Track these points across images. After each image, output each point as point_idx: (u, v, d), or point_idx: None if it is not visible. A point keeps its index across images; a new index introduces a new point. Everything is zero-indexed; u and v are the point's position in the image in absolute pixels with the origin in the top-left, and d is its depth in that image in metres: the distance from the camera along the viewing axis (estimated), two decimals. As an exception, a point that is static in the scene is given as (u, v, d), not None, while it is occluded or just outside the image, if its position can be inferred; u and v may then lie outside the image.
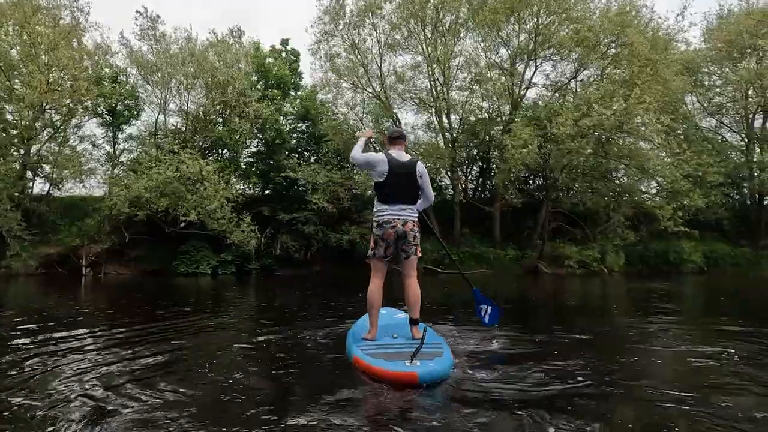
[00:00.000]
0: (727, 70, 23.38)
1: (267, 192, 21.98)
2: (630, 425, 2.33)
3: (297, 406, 2.65)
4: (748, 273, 20.34)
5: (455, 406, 2.60)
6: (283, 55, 23.85)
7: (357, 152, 4.05)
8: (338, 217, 20.03)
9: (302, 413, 2.47)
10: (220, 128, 20.36)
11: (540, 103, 21.17)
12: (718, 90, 24.29)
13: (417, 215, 4.03)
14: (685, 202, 17.97)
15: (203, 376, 3.26)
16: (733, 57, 22.89)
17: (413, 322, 3.92)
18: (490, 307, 4.65)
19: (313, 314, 6.84)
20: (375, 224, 3.94)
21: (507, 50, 20.86)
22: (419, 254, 4.03)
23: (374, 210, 3.99)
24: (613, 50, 19.04)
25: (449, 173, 21.77)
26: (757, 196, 23.91)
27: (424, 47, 20.11)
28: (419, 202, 4.08)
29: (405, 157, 3.95)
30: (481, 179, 24.61)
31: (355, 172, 22.29)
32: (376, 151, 4.34)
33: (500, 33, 20.18)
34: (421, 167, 3.99)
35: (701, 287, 12.81)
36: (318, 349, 4.31)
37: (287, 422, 2.36)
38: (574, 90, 20.87)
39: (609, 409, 2.56)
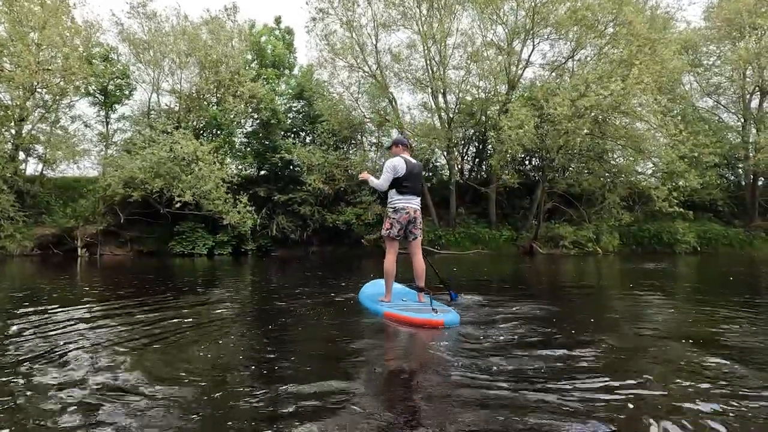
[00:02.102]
0: (726, 49, 23.23)
1: (262, 173, 21.89)
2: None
3: (299, 376, 2.68)
4: (741, 252, 20.57)
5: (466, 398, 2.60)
6: (277, 33, 23.50)
7: (379, 182, 4.97)
8: (334, 197, 20.02)
9: (305, 383, 2.51)
10: (215, 108, 20.15)
11: (537, 83, 21.03)
12: (716, 70, 24.17)
13: (421, 205, 5.07)
14: (681, 183, 18.02)
15: (204, 352, 3.29)
16: (732, 36, 22.72)
17: (419, 289, 4.94)
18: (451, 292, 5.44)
19: (312, 290, 6.89)
20: (391, 210, 4.95)
21: (504, 28, 20.62)
22: (421, 236, 5.07)
23: (389, 199, 5.00)
24: (611, 29, 18.84)
25: (445, 154, 21.70)
26: (751, 176, 24.00)
27: (420, 25, 19.84)
28: None
29: (412, 159, 5.05)
30: (477, 160, 24.58)
31: (350, 152, 22.22)
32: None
33: (497, 10, 19.90)
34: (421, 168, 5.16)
35: (703, 267, 12.85)
36: (319, 321, 4.38)
37: (288, 391, 2.39)
38: (571, 70, 20.71)
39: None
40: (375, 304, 4.84)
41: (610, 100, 16.17)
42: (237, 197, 17.48)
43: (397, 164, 4.86)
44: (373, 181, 5.15)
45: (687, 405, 2.29)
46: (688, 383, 2.60)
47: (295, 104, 22.75)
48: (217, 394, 2.51)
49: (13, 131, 18.41)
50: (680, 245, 20.22)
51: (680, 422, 2.09)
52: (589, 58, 20.20)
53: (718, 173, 22.88)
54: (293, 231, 19.82)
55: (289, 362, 3.15)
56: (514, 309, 4.94)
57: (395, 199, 4.92)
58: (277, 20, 23.71)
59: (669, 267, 12.22)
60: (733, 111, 24.70)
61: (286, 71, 23.47)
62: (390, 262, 4.90)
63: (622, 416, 2.18)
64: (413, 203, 4.93)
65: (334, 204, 20.14)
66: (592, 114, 16.96)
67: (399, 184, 4.88)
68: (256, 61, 22.52)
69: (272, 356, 3.32)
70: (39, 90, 18.31)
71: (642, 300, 6.02)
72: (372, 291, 5.47)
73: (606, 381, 2.63)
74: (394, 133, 22.40)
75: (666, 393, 2.45)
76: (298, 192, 19.48)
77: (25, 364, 3.07)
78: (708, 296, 6.63)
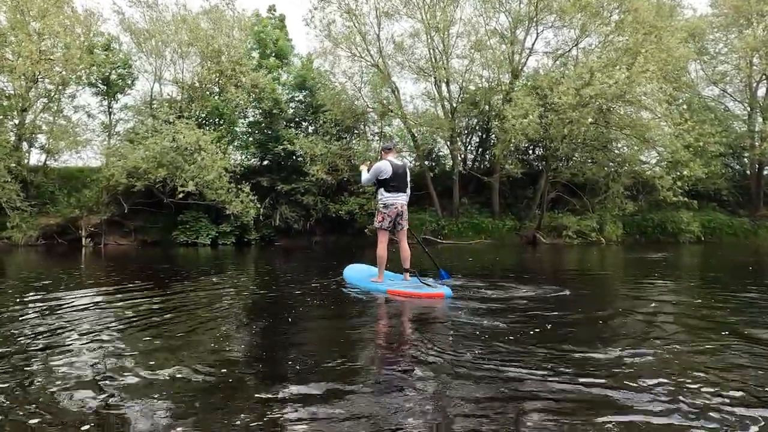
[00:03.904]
0: (733, 36, 22.95)
1: (265, 162, 21.86)
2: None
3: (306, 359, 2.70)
4: (746, 241, 20.49)
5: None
6: (273, 22, 23.29)
7: (364, 177, 5.99)
8: (337, 187, 20.00)
9: (310, 373, 2.53)
10: (217, 98, 20.09)
11: (541, 71, 20.86)
12: (722, 58, 23.89)
13: (407, 200, 5.89)
14: (685, 173, 17.90)
15: (211, 342, 3.32)
16: (739, 23, 22.43)
17: (406, 270, 5.81)
18: (442, 271, 6.36)
19: (320, 279, 6.95)
20: (382, 206, 5.76)
21: (507, 16, 20.43)
22: (407, 226, 5.92)
23: (379, 197, 5.81)
24: (616, 17, 18.63)
25: (448, 143, 21.61)
26: (757, 166, 23.82)
27: (423, 14, 19.66)
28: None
29: (399, 161, 5.88)
30: (480, 149, 24.46)
31: (354, 142, 22.16)
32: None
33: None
34: (407, 168, 6.01)
35: (715, 257, 12.69)
36: (327, 311, 4.40)
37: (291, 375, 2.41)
38: (575, 58, 20.52)
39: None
40: (373, 284, 5.64)
41: (615, 89, 16.03)
42: (239, 187, 17.48)
43: (383, 168, 5.70)
44: (364, 174, 6.08)
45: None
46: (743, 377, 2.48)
47: (297, 94, 22.64)
48: (227, 382, 2.53)
49: (15, 121, 18.44)
50: (684, 234, 20.15)
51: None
52: (593, 46, 20.00)
53: (723, 162, 22.71)
54: (296, 221, 19.85)
55: (295, 353, 3.16)
56: (537, 299, 4.95)
57: (385, 197, 5.74)
58: (271, 9, 23.51)
59: (677, 256, 12.16)
60: (740, 100, 24.46)
61: (285, 61, 23.31)
62: (382, 249, 5.78)
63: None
64: (400, 199, 5.76)
65: (337, 194, 20.12)
66: (597, 103, 16.83)
67: (387, 184, 5.70)
68: (258, 51, 22.38)
69: (279, 348, 3.34)
70: (41, 79, 18.29)
71: (668, 291, 5.88)
72: (352, 273, 6.42)
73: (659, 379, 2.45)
74: (397, 123, 22.37)
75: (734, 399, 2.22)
76: (301, 182, 19.46)
77: (37, 350, 3.10)
78: (735, 286, 6.41)
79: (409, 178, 5.89)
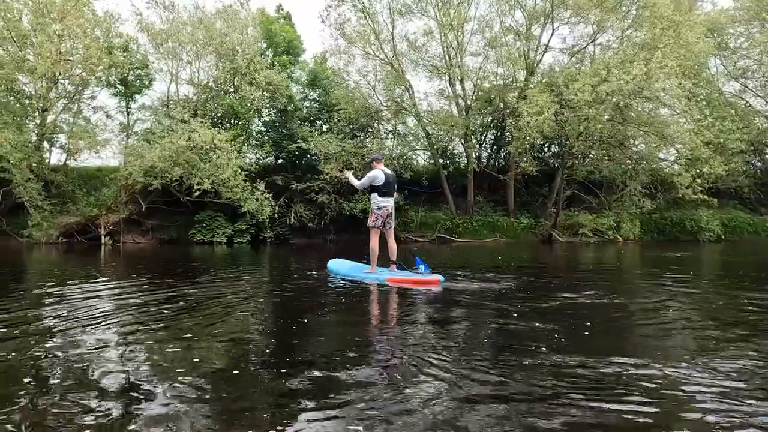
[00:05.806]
0: (755, 30, 22.43)
1: (280, 161, 21.96)
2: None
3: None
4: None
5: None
6: (281, 21, 23.32)
7: (359, 183, 7.10)
8: (351, 186, 19.98)
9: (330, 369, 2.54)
10: (232, 97, 20.23)
11: (556, 68, 20.62)
12: (743, 52, 23.37)
13: (395, 203, 6.93)
14: (705, 170, 17.56)
15: (233, 335, 3.35)
16: (761, 17, 21.92)
17: (393, 262, 6.87)
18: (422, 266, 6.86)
19: (332, 275, 7.09)
20: (376, 208, 6.84)
21: (523, 13, 20.23)
22: (394, 225, 6.95)
23: (373, 200, 6.88)
24: (633, 12, 18.33)
25: (463, 141, 21.49)
26: (779, 163, 23.30)
27: (436, 12, 19.57)
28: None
29: (388, 170, 6.99)
30: (495, 147, 24.27)
31: (368, 141, 22.15)
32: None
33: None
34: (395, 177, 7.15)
35: (742, 255, 12.43)
36: (341, 306, 4.42)
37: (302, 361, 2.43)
38: (591, 54, 20.25)
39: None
40: (369, 275, 6.59)
41: (632, 85, 15.78)
42: (254, 185, 17.60)
43: (377, 176, 6.78)
44: (354, 181, 7.32)
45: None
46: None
47: (311, 93, 22.69)
48: (243, 372, 2.56)
49: (37, 121, 18.81)
50: (704, 233, 19.76)
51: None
52: (610, 42, 19.72)
53: (744, 159, 22.25)
54: (311, 219, 19.91)
55: (310, 348, 3.18)
56: (565, 299, 4.98)
57: (378, 201, 6.79)
58: (279, 9, 23.57)
59: (700, 255, 11.94)
60: (761, 95, 23.91)
61: (297, 58, 23.33)
62: (374, 244, 6.84)
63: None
64: (390, 203, 6.86)
65: (351, 192, 20.14)
66: (614, 100, 16.59)
67: (380, 190, 6.77)
68: (270, 49, 22.46)
69: (294, 343, 3.36)
70: (62, 81, 18.62)
71: (709, 292, 5.81)
72: (338, 266, 7.36)
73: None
74: (410, 121, 22.33)
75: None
76: (316, 180, 19.51)
77: (71, 339, 3.17)
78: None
79: (395, 186, 7.00)
